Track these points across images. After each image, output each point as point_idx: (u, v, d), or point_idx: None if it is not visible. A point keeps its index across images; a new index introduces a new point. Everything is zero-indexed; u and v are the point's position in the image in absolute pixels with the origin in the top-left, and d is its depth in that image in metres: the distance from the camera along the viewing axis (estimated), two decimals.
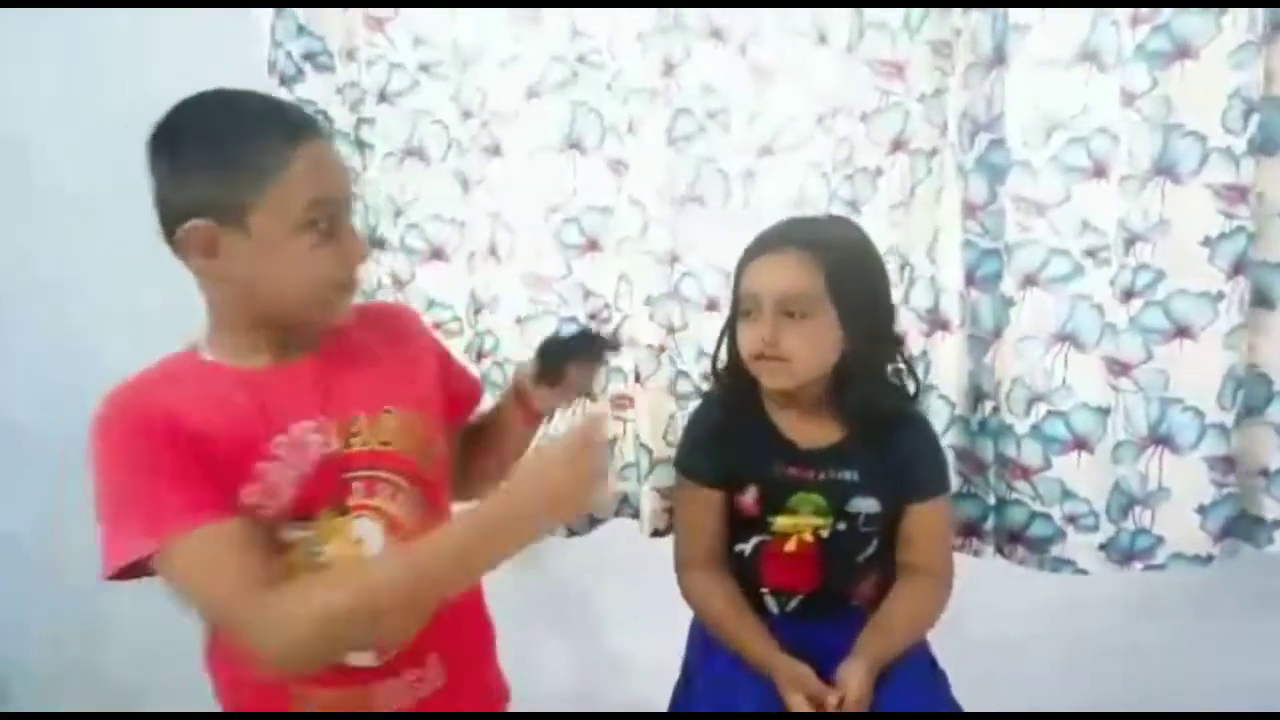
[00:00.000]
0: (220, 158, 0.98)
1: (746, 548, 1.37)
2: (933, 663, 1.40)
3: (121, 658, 2.01)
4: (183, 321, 1.09)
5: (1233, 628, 1.76)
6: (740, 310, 1.30)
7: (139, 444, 0.98)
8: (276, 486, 1.02)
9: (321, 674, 1.04)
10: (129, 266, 1.42)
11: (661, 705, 1.44)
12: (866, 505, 1.33)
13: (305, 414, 1.05)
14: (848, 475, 1.32)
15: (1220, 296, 1.43)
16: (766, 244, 1.29)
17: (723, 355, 1.39)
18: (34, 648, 2.01)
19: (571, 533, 1.68)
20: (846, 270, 1.27)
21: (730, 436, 1.35)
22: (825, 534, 1.33)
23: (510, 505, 0.98)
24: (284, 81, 1.54)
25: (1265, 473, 1.51)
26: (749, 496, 1.34)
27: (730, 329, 1.35)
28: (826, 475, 1.32)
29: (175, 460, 0.97)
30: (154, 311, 1.29)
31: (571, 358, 1.24)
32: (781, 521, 1.34)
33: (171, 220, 0.99)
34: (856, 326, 1.28)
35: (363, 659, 1.08)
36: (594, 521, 1.69)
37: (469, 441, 1.32)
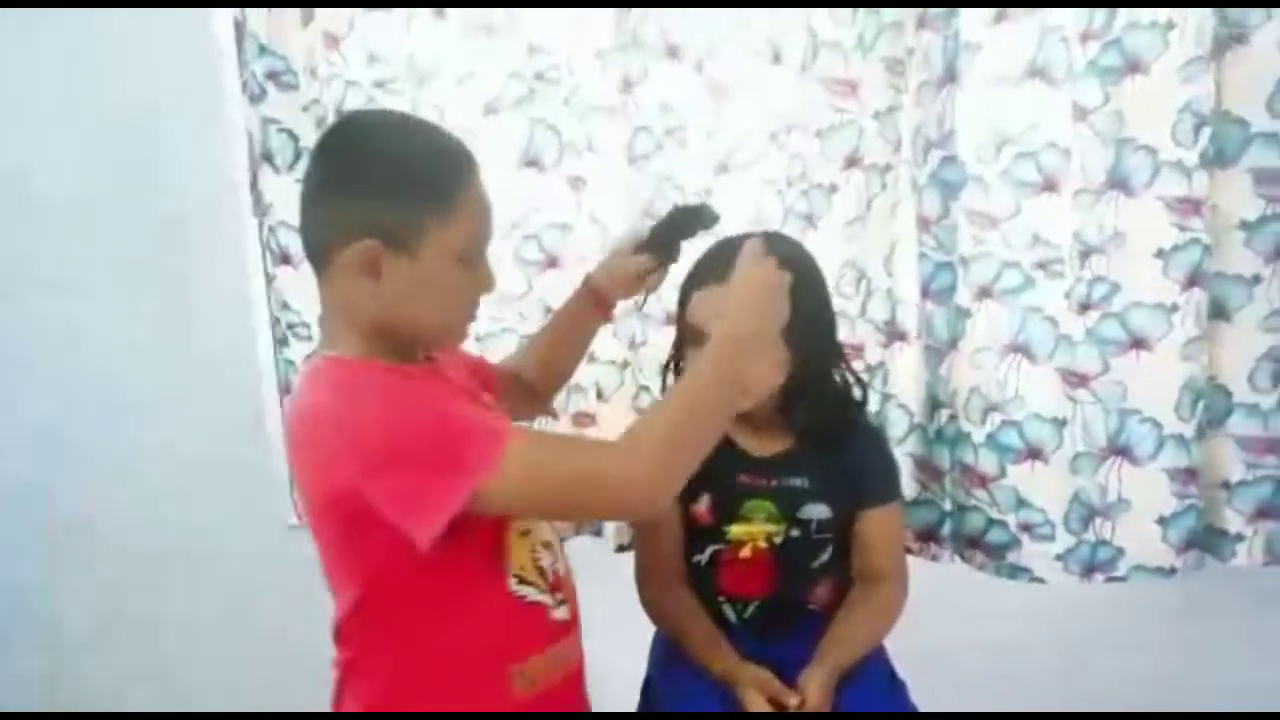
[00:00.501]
0: (407, 181, 0.97)
1: (703, 558, 1.37)
2: (892, 672, 1.40)
3: None
4: None
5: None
6: (688, 339, 1.31)
7: (418, 390, 1.00)
8: None
9: (535, 636, 1.08)
10: None
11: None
12: (818, 511, 1.33)
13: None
14: (799, 482, 1.33)
15: (1175, 308, 1.44)
16: (708, 273, 1.28)
17: (670, 378, 1.40)
18: None
19: None
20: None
21: None
22: (779, 540, 1.33)
23: (735, 328, 1.04)
24: (252, 101, 1.55)
25: (1226, 485, 1.51)
26: (703, 505, 1.35)
27: (678, 349, 1.36)
28: (778, 483, 1.33)
29: (455, 391, 1.03)
30: None
31: (681, 232, 1.31)
32: (736, 530, 1.34)
33: (335, 236, 0.98)
34: (801, 344, 1.27)
35: (559, 613, 1.11)
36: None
37: (543, 347, 1.38)
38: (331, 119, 1.56)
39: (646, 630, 1.43)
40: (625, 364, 1.60)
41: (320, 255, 1.01)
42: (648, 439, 0.96)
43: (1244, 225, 1.42)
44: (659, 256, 1.32)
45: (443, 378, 1.10)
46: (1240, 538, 1.52)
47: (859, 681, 1.31)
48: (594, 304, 1.35)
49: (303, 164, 1.56)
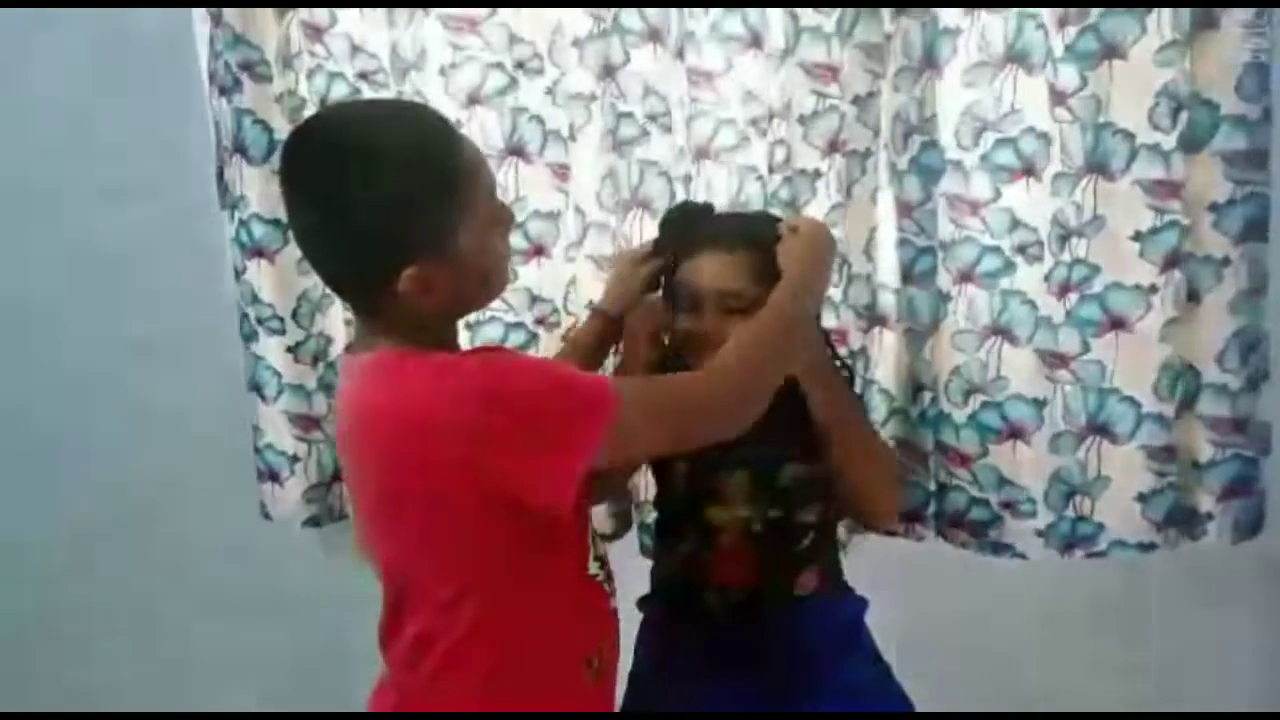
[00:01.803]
0: (425, 192, 0.92)
1: (687, 547, 1.36)
2: (877, 656, 1.39)
3: None
4: None
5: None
6: (679, 303, 1.30)
7: (509, 359, 1.01)
8: None
9: (602, 623, 1.11)
10: None
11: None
12: (796, 471, 1.32)
13: None
14: (773, 450, 1.31)
15: (1154, 290, 1.43)
16: (706, 241, 1.28)
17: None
18: None
19: None
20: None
21: None
22: (757, 528, 1.32)
23: (805, 272, 1.16)
24: (223, 92, 1.50)
25: (1196, 464, 1.52)
26: (678, 474, 1.36)
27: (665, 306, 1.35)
28: (751, 452, 1.29)
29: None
30: None
31: (692, 230, 1.32)
32: (714, 513, 1.32)
33: (371, 278, 0.94)
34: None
35: (614, 601, 1.13)
36: None
37: None
38: (310, 113, 1.52)
39: (631, 626, 1.40)
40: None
41: (354, 292, 1.00)
42: (745, 366, 1.05)
43: (1214, 208, 1.42)
44: (673, 256, 1.32)
45: None
46: (1210, 516, 1.53)
47: (844, 663, 1.31)
48: (609, 333, 1.37)
49: (277, 157, 1.53)
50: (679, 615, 1.38)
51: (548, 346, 1.56)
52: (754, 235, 1.27)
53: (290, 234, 1.54)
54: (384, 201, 0.90)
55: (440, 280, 0.94)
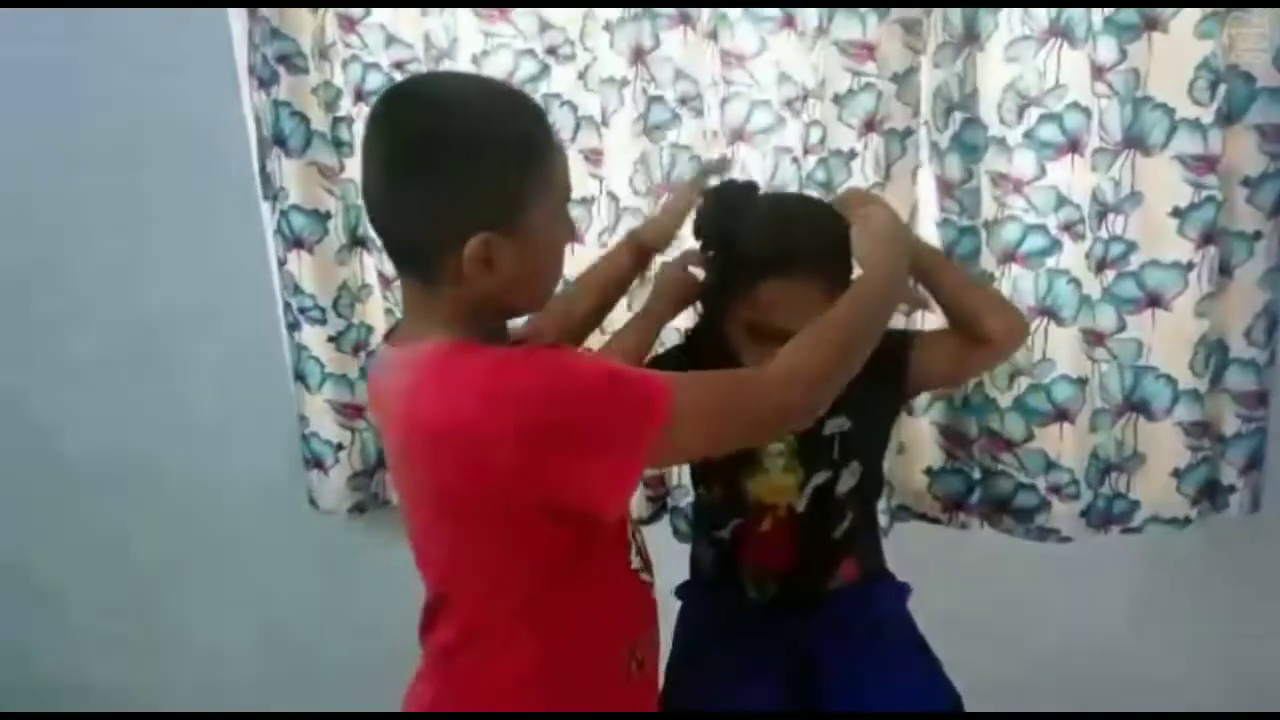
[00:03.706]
0: (504, 160, 0.85)
1: (725, 533, 1.27)
2: (922, 644, 1.30)
3: None
4: None
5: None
6: (752, 331, 1.15)
7: (567, 356, 0.90)
8: None
9: (645, 613, 1.04)
10: None
11: None
12: (838, 425, 1.21)
13: None
14: None
15: (1191, 266, 1.38)
16: (779, 269, 1.12)
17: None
18: None
19: None
20: (848, 271, 1.16)
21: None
22: (800, 508, 1.23)
23: (884, 267, 1.05)
24: (262, 85, 1.43)
25: (1221, 438, 1.47)
26: None
27: (711, 302, 1.24)
28: None
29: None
30: None
31: (735, 216, 1.19)
32: (755, 486, 1.23)
33: (441, 240, 0.85)
34: None
35: (653, 592, 1.06)
36: None
37: (586, 302, 1.28)
38: (349, 101, 1.44)
39: (670, 609, 1.32)
40: None
41: (420, 259, 0.89)
42: (809, 371, 0.94)
43: (1247, 182, 1.35)
44: (720, 254, 1.19)
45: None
46: (1233, 489, 1.48)
47: (885, 651, 1.23)
48: (637, 261, 1.28)
49: (315, 148, 1.46)
50: (717, 605, 1.31)
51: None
52: (826, 250, 1.14)
53: (330, 225, 1.50)
54: (471, 155, 0.84)
55: (505, 256, 0.86)
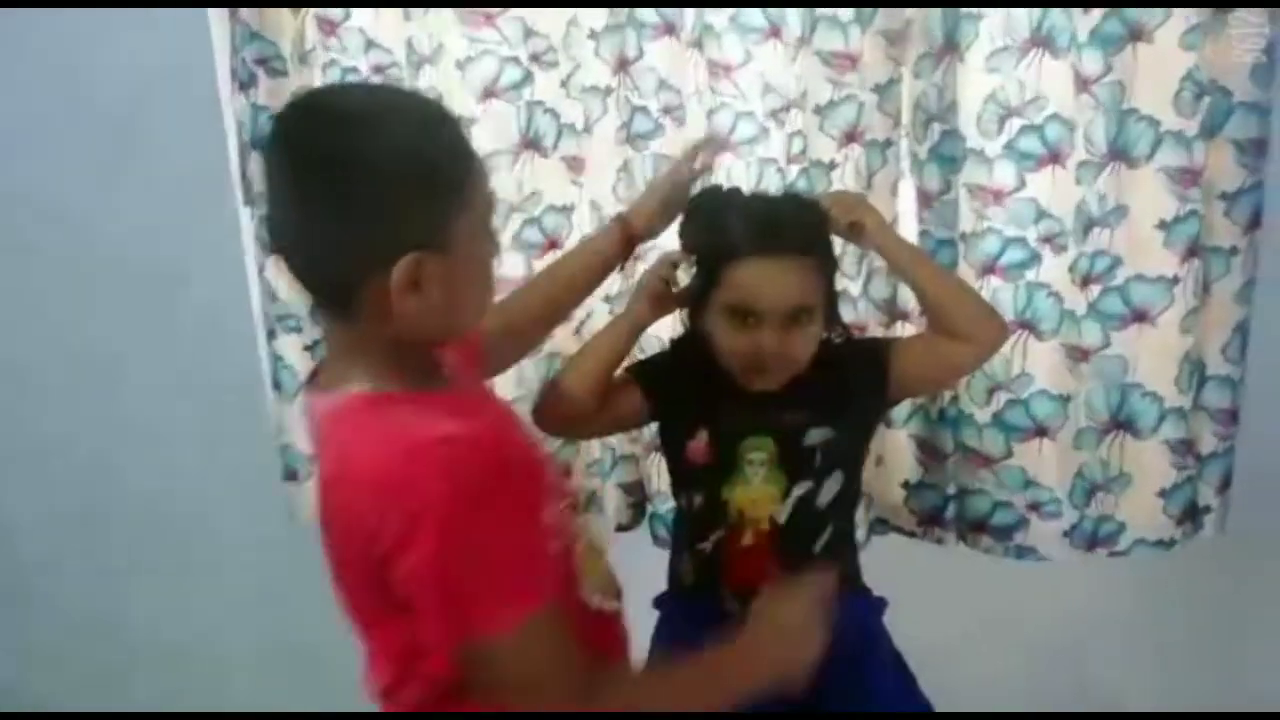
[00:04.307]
0: (425, 172, 0.78)
1: (707, 546, 1.25)
2: (898, 658, 1.27)
3: None
4: None
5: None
6: (732, 314, 1.14)
7: (511, 491, 0.79)
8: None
9: (618, 646, 0.99)
10: None
11: None
12: (820, 435, 1.20)
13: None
14: (798, 415, 1.20)
15: (1176, 280, 1.34)
16: (762, 246, 1.12)
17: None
18: None
19: None
20: (831, 266, 1.20)
21: (687, 385, 1.24)
22: (781, 518, 1.21)
23: (752, 657, 0.96)
24: (242, 88, 1.41)
25: (1199, 456, 1.44)
26: (699, 442, 1.22)
27: (695, 307, 1.22)
28: (776, 418, 1.20)
29: (538, 511, 0.82)
30: None
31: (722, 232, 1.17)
32: (736, 494, 1.21)
33: (365, 267, 0.78)
34: (833, 310, 1.22)
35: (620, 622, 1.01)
36: None
37: (559, 285, 1.25)
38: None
39: (646, 619, 1.31)
40: None
41: (339, 293, 0.82)
42: (627, 705, 0.85)
43: (1224, 196, 1.33)
44: (704, 251, 1.18)
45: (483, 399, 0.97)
46: (1208, 509, 1.45)
47: (862, 666, 1.21)
48: (624, 246, 1.24)
49: None
50: (695, 618, 1.28)
51: (564, 346, 1.45)
52: (804, 236, 1.15)
53: None
54: (387, 173, 0.77)
55: (433, 277, 0.79)
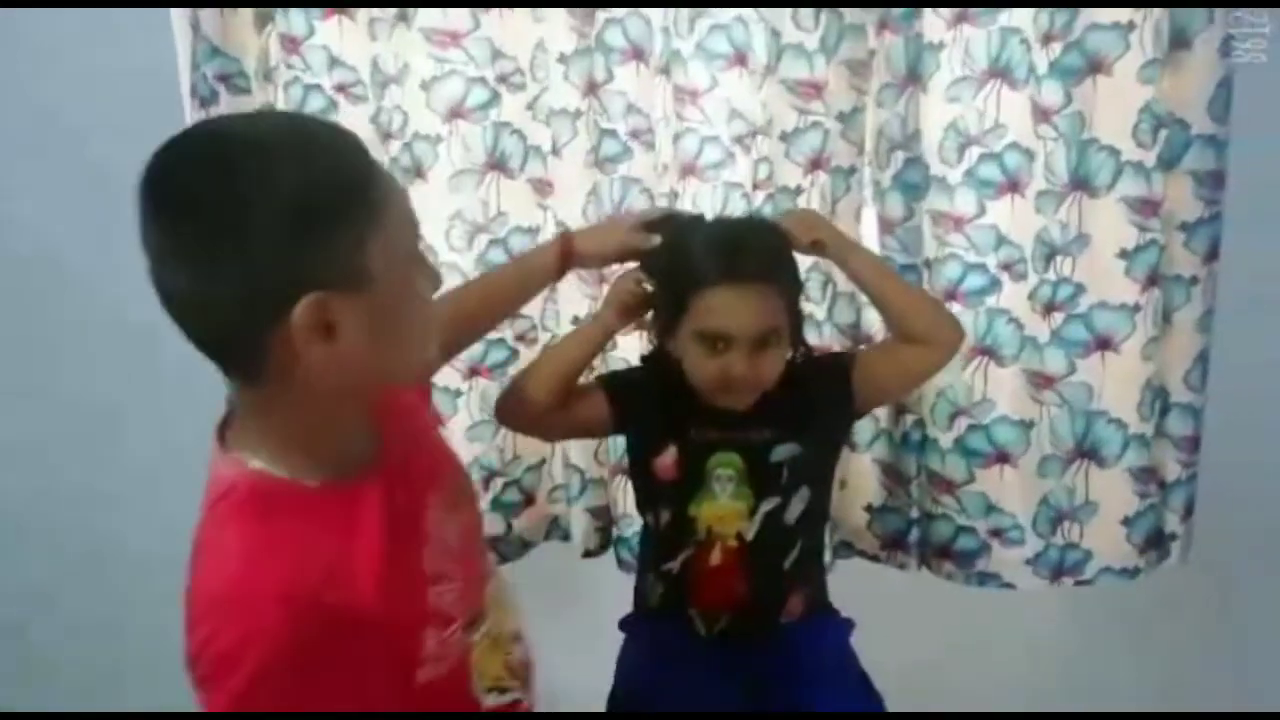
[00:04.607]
0: (323, 198, 0.70)
1: (674, 565, 1.24)
2: (865, 679, 1.25)
3: None
4: None
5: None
6: (702, 340, 1.14)
7: (339, 659, 0.72)
8: (454, 618, 0.83)
9: None
10: None
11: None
12: (788, 451, 1.20)
13: (425, 503, 0.84)
14: (765, 432, 1.20)
15: (1138, 308, 1.35)
16: (728, 274, 1.12)
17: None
18: None
19: (503, 559, 1.52)
20: (796, 289, 1.20)
21: (656, 399, 1.23)
22: (749, 535, 1.20)
23: None
24: (203, 104, 1.39)
25: (1163, 484, 1.44)
26: (668, 458, 1.22)
27: (663, 330, 1.21)
28: (744, 434, 1.20)
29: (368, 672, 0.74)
30: None
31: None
32: (704, 511, 1.20)
33: (258, 316, 0.70)
34: (798, 328, 1.21)
35: (529, 698, 0.96)
36: (525, 545, 1.54)
37: (491, 300, 1.22)
38: None
39: (611, 641, 1.31)
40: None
41: (239, 349, 0.73)
42: None
43: (1184, 226, 1.34)
44: (668, 278, 1.18)
45: (405, 465, 0.85)
46: (1174, 536, 1.45)
47: (831, 688, 1.21)
48: (561, 265, 1.22)
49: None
50: (663, 639, 1.28)
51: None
52: (767, 262, 1.15)
53: None
54: (270, 210, 0.68)
55: (348, 318, 0.72)
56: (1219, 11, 1.24)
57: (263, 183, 0.68)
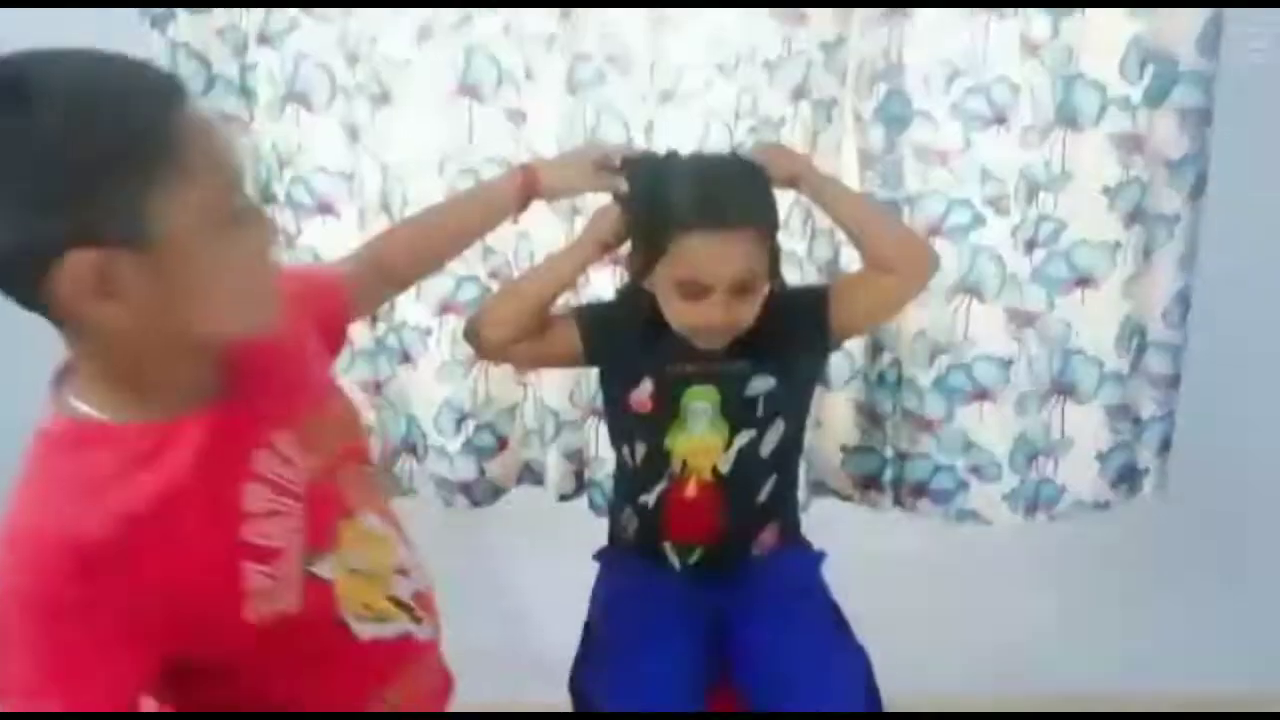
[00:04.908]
0: (101, 146, 0.65)
1: (650, 499, 1.23)
2: (835, 610, 1.25)
3: None
4: None
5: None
6: (680, 285, 1.11)
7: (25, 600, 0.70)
8: (279, 550, 0.80)
9: (395, 665, 0.92)
10: None
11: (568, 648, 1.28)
12: (763, 385, 1.19)
13: (263, 443, 0.82)
14: (741, 365, 1.19)
15: (1119, 246, 1.34)
16: (709, 219, 1.08)
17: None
18: None
19: (475, 503, 1.49)
20: (775, 229, 1.16)
21: (631, 333, 1.21)
22: (725, 469, 1.20)
23: None
24: (155, 23, 1.31)
25: (1138, 420, 1.45)
26: (644, 393, 1.20)
27: (640, 268, 1.17)
28: (720, 367, 1.19)
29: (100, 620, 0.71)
30: None
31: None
32: (679, 444, 1.19)
33: (28, 260, 0.66)
34: (775, 271, 1.17)
35: (421, 634, 0.95)
36: (497, 492, 1.53)
37: (449, 227, 1.19)
38: (251, 45, 1.33)
39: (584, 579, 1.30)
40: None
41: (19, 297, 0.69)
42: None
43: (1168, 164, 1.33)
44: (644, 216, 1.13)
45: (254, 405, 0.82)
46: (1146, 471, 1.47)
47: (801, 623, 1.20)
48: (522, 197, 1.18)
49: (217, 92, 1.35)
50: (636, 571, 1.27)
51: None
52: (748, 206, 1.11)
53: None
54: (45, 154, 0.64)
55: (132, 278, 0.67)
56: None
57: (30, 130, 0.64)
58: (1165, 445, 1.45)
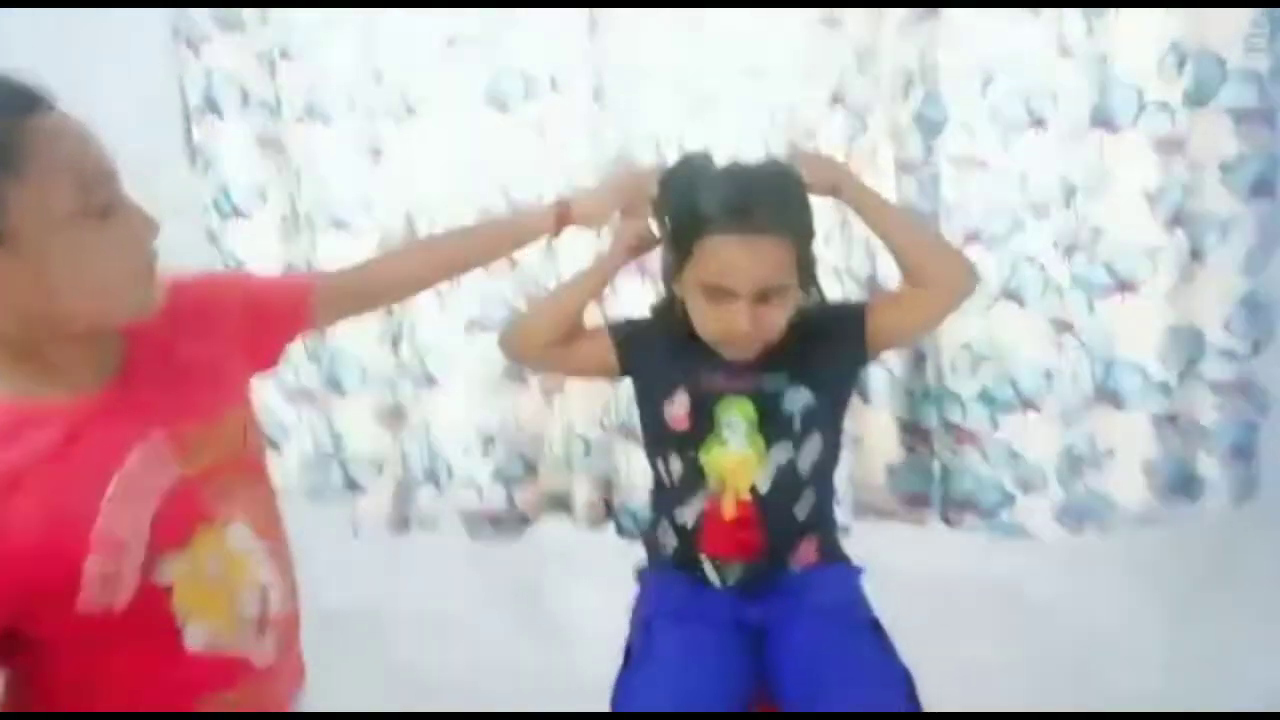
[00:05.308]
0: None
1: (688, 518, 1.20)
2: (876, 625, 1.21)
3: None
4: None
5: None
6: (704, 289, 1.10)
7: None
8: (123, 544, 0.80)
9: (225, 679, 0.89)
10: None
11: (608, 675, 1.23)
12: (800, 399, 1.16)
13: (138, 438, 0.83)
14: (776, 378, 1.16)
15: (1160, 250, 1.31)
16: (735, 222, 1.06)
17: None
18: None
19: (502, 534, 1.51)
20: (808, 238, 1.13)
21: (664, 344, 1.20)
22: (764, 488, 1.16)
23: None
24: (189, 45, 1.32)
25: (1194, 429, 1.40)
26: (679, 407, 1.18)
27: (669, 272, 1.16)
28: (756, 381, 1.16)
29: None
30: None
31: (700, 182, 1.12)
32: (715, 459, 1.16)
33: None
34: (808, 281, 1.15)
35: (259, 659, 0.92)
36: (524, 522, 1.52)
37: (470, 250, 1.18)
38: (279, 61, 1.34)
39: (621, 612, 1.26)
40: None
41: None
42: None
43: (1221, 165, 1.30)
44: (677, 221, 1.12)
45: (127, 400, 0.83)
46: (1205, 481, 1.41)
47: (840, 636, 1.15)
48: (557, 230, 1.19)
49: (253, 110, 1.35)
50: (675, 588, 1.23)
51: None
52: (780, 211, 1.09)
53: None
54: None
55: None
56: None
57: None
58: (1239, 453, 1.38)
